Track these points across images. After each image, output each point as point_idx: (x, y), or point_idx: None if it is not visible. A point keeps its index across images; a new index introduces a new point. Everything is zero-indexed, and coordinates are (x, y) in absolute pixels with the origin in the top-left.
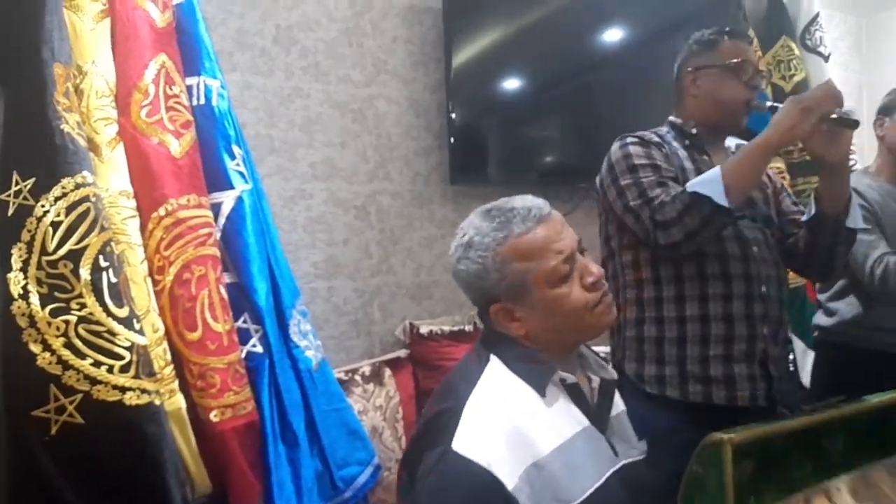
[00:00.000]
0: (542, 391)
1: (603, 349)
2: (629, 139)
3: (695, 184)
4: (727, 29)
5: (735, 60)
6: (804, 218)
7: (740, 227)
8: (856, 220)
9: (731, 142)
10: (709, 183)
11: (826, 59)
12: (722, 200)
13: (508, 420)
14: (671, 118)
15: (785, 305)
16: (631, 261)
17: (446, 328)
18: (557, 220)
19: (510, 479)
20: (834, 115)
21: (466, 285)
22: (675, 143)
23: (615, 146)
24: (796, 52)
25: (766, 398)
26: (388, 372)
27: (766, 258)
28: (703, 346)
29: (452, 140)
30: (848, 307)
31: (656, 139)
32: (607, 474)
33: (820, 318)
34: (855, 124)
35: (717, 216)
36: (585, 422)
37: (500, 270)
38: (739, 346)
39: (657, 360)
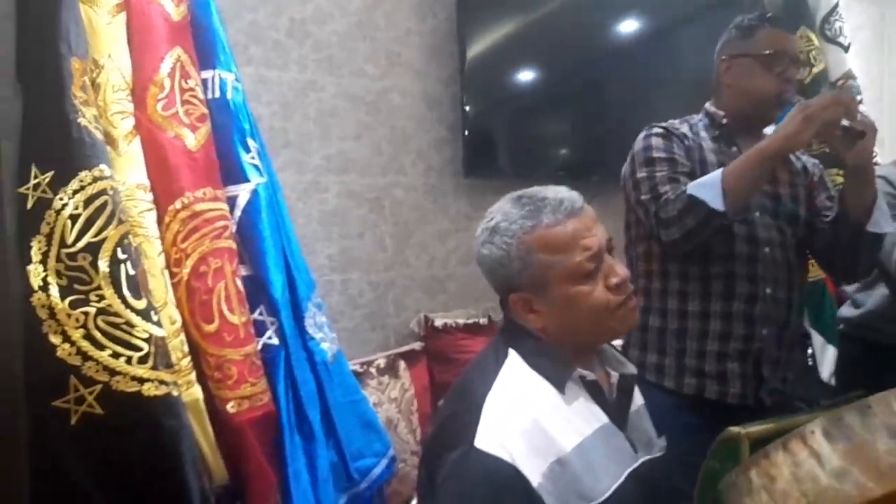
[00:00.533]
0: (561, 388)
1: (618, 342)
2: (654, 130)
3: (695, 185)
4: (768, 16)
5: (769, 51)
6: (828, 217)
7: (755, 227)
8: (879, 223)
9: (770, 130)
10: (708, 186)
11: (846, 49)
12: (718, 205)
13: (529, 416)
14: (707, 105)
15: (794, 308)
16: (643, 252)
17: (461, 321)
18: (589, 216)
19: (534, 475)
20: (844, 123)
21: (488, 270)
22: (703, 133)
23: (641, 136)
24: (815, 42)
25: (756, 399)
26: (402, 364)
27: (777, 260)
28: (700, 341)
29: (466, 133)
30: (875, 299)
31: (683, 130)
32: (626, 473)
33: (846, 310)
34: (860, 135)
35: (715, 219)
36: (605, 419)
37: (523, 259)
38: (735, 345)
39: (658, 350)
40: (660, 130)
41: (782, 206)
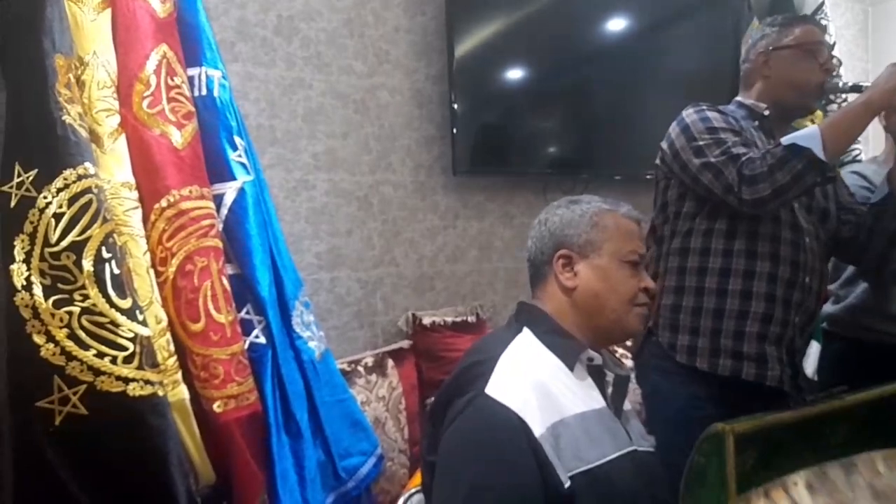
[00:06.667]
0: (570, 366)
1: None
2: (705, 106)
3: (791, 138)
4: (803, 15)
5: (812, 42)
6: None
7: (797, 215)
8: None
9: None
10: (806, 137)
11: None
12: (820, 154)
13: (540, 378)
14: (740, 98)
15: (820, 302)
16: (686, 230)
17: (449, 319)
18: (643, 233)
19: (538, 427)
20: None
21: (549, 231)
22: (743, 123)
23: (689, 111)
24: None
25: (792, 385)
26: (390, 363)
27: (815, 250)
28: (739, 321)
29: (455, 130)
30: (857, 293)
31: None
32: (622, 451)
33: (828, 306)
34: None
35: (809, 173)
36: (604, 403)
37: (590, 226)
38: (774, 328)
39: (691, 331)
40: (710, 106)
41: (816, 200)
